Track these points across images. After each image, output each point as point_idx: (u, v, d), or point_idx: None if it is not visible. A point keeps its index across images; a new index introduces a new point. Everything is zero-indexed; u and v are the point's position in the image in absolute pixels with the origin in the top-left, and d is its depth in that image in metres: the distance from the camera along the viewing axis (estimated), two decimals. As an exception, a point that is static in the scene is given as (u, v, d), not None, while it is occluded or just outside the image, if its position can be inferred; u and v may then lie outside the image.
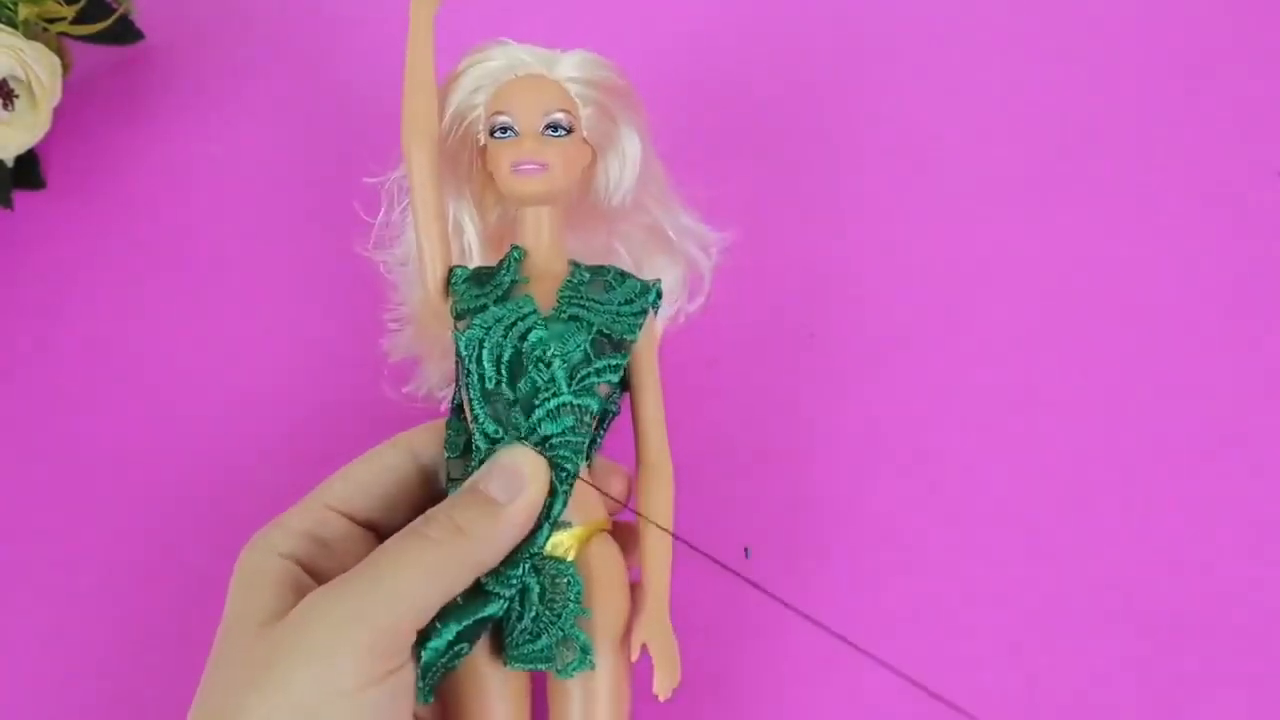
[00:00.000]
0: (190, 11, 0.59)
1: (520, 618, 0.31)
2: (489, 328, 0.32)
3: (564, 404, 0.32)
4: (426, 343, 0.40)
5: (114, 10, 0.55)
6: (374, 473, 0.34)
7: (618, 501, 0.34)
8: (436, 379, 0.41)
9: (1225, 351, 0.44)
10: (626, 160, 0.37)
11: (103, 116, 0.56)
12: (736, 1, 0.57)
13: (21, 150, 0.51)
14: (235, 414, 0.45)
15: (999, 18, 0.55)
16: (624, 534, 0.34)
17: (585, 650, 0.31)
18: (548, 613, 0.31)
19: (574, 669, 0.31)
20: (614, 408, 0.35)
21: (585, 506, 0.33)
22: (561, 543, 0.32)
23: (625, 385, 0.34)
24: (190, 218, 0.52)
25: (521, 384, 0.32)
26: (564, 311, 0.33)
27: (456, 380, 0.34)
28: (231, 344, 0.47)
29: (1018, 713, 0.37)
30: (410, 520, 0.31)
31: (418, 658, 0.29)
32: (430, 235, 0.34)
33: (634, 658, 0.31)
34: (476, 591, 0.30)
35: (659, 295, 0.35)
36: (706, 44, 0.55)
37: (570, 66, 0.35)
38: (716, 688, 0.38)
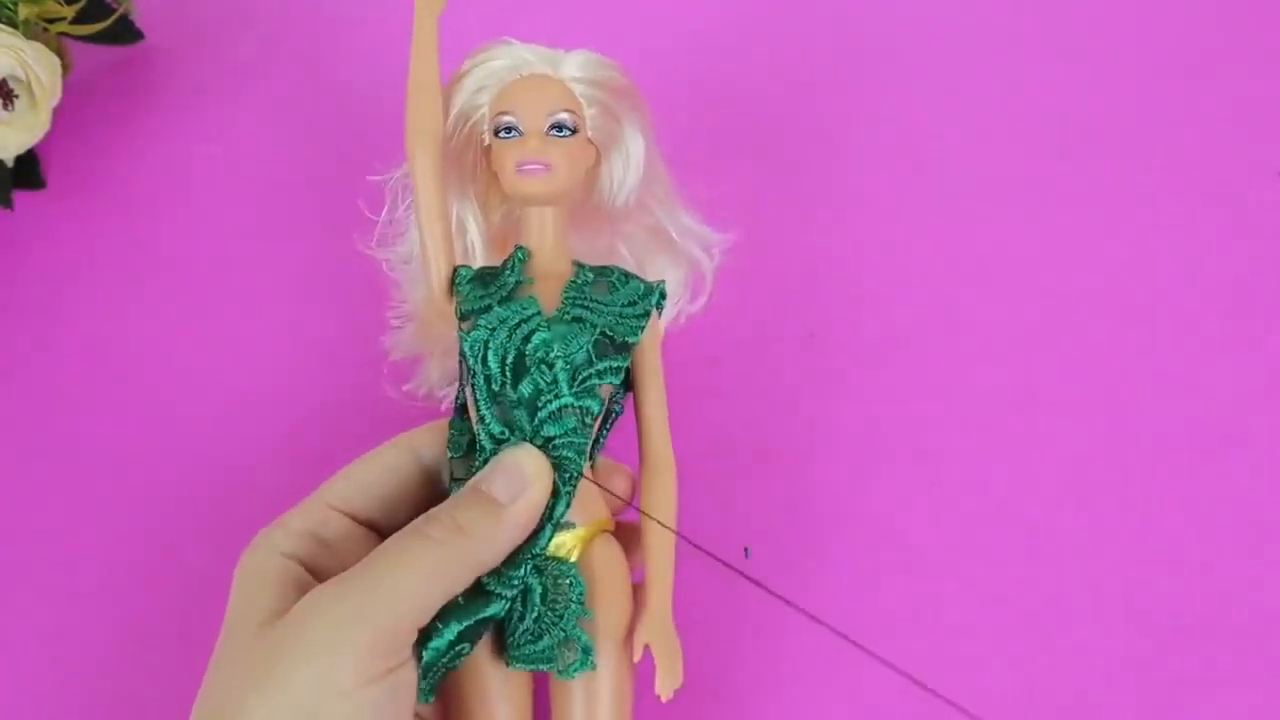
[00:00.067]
0: (190, 11, 0.59)
1: (522, 618, 0.31)
2: (493, 329, 0.32)
3: (566, 406, 0.32)
4: (428, 341, 0.40)
5: (114, 10, 0.54)
6: (376, 473, 0.34)
7: (621, 499, 0.34)
8: (437, 377, 0.41)
9: (1225, 351, 0.44)
10: (630, 161, 0.37)
11: (103, 116, 0.56)
12: (736, 1, 0.57)
13: (21, 150, 0.51)
14: (235, 414, 0.45)
15: (999, 18, 0.55)
16: (627, 534, 0.34)
17: (587, 651, 0.31)
18: (550, 613, 0.31)
19: (575, 670, 0.31)
20: (617, 408, 0.35)
21: (588, 507, 0.33)
22: (564, 543, 0.32)
23: (629, 385, 0.34)
24: (190, 218, 0.52)
25: (524, 385, 0.32)
26: (567, 313, 0.33)
27: (460, 380, 0.34)
28: (231, 344, 0.47)
29: (1018, 713, 0.37)
30: (412, 520, 0.31)
31: (419, 657, 0.29)
32: (434, 235, 0.34)
33: (636, 658, 0.31)
34: (478, 591, 0.30)
35: (663, 296, 0.35)
36: (706, 44, 0.55)
37: (575, 66, 0.35)
38: (718, 688, 0.38)
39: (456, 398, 0.35)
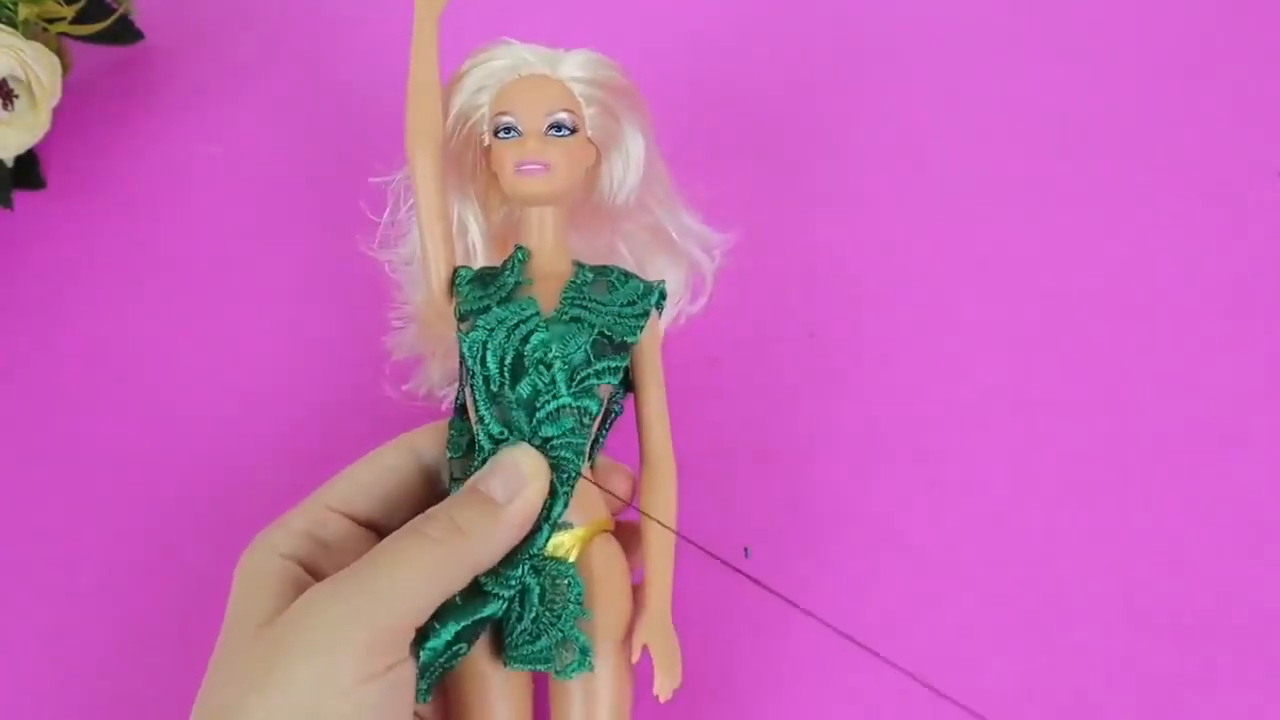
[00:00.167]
0: (190, 11, 0.59)
1: (520, 618, 0.31)
2: (492, 329, 0.32)
3: (563, 406, 0.32)
4: (429, 341, 0.40)
5: (114, 10, 0.55)
6: (376, 473, 0.34)
7: (621, 499, 0.34)
8: (438, 377, 0.41)
9: (1225, 351, 0.44)
10: (630, 160, 0.37)
11: (103, 116, 0.56)
12: (736, 1, 0.57)
13: (21, 150, 0.51)
14: (235, 414, 0.45)
15: (999, 18, 0.55)
16: (626, 534, 0.34)
17: (584, 652, 0.31)
18: (547, 614, 0.31)
19: (573, 670, 0.31)
20: (617, 408, 0.35)
21: (587, 507, 0.33)
22: (563, 543, 0.32)
23: (628, 385, 0.34)
24: (190, 218, 0.52)
25: (522, 386, 0.32)
26: (566, 313, 0.33)
27: (460, 380, 0.34)
28: (231, 344, 0.47)
29: (1018, 712, 0.37)
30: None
31: (417, 657, 0.29)
32: (434, 236, 0.34)
33: (634, 659, 0.31)
34: (475, 592, 0.30)
35: (663, 296, 0.35)
36: (706, 44, 0.55)
37: (574, 66, 0.35)
38: (717, 688, 0.38)
39: (456, 398, 0.35)
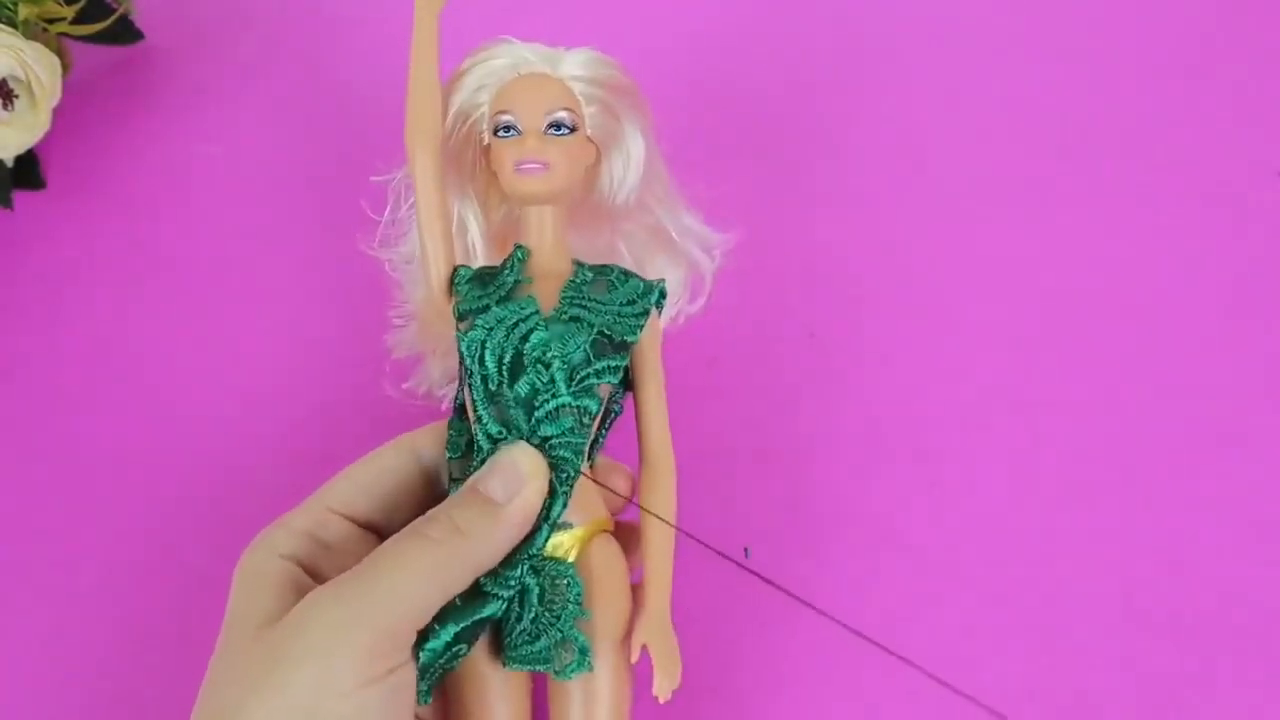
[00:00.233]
0: (190, 11, 0.59)
1: (519, 619, 0.31)
2: (490, 328, 0.32)
3: (563, 405, 0.32)
4: (429, 340, 0.40)
5: (114, 10, 0.54)
6: (375, 474, 0.34)
7: (621, 495, 0.34)
8: (438, 376, 0.41)
9: (1225, 351, 0.44)
10: (630, 159, 0.37)
11: (103, 116, 0.56)
12: (736, 1, 0.57)
13: (21, 150, 0.51)
14: (235, 414, 0.45)
15: (999, 18, 0.55)
16: (626, 534, 0.34)
17: (584, 652, 0.31)
18: (547, 614, 0.31)
19: (572, 671, 0.31)
20: (617, 407, 0.35)
21: (587, 507, 0.33)
22: (562, 544, 0.32)
23: (628, 384, 0.34)
24: (190, 217, 0.52)
25: (521, 385, 0.32)
26: (565, 312, 0.33)
27: (460, 380, 0.34)
28: (231, 344, 0.47)
29: (1018, 712, 0.37)
30: (411, 521, 0.31)
31: (417, 658, 0.29)
32: (434, 235, 0.34)
33: (634, 659, 0.31)
34: (475, 592, 0.30)
35: (662, 295, 0.35)
36: (706, 44, 0.55)
37: (574, 65, 0.35)
38: (717, 688, 0.38)
39: (455, 398, 0.35)
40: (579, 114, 0.35)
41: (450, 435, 0.34)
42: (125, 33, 0.56)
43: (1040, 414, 0.43)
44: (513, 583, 0.31)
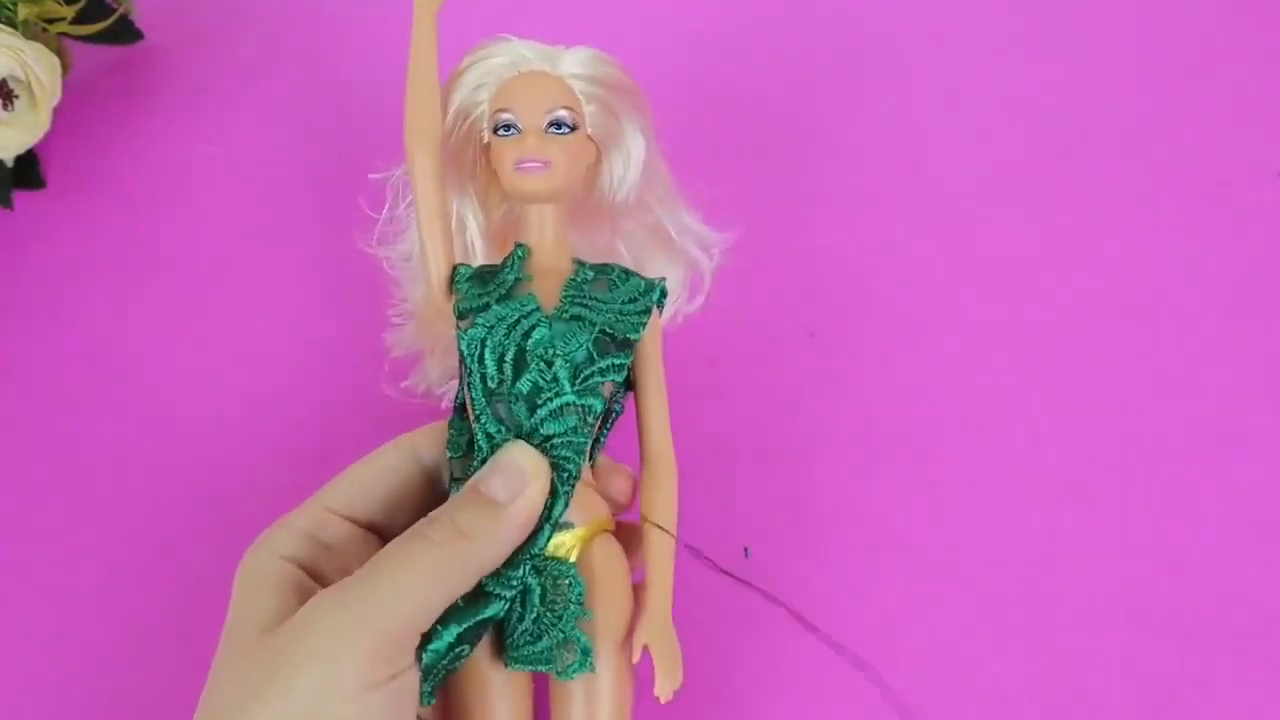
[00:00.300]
0: (190, 11, 0.59)
1: (521, 619, 0.31)
2: (491, 326, 0.32)
3: (567, 404, 0.32)
4: (428, 338, 0.40)
5: (114, 10, 0.54)
6: (376, 474, 0.34)
7: (620, 502, 0.34)
8: (437, 375, 0.41)
9: (1225, 351, 0.44)
10: (631, 158, 0.37)
11: (103, 116, 0.56)
12: (736, 1, 0.57)
13: (21, 150, 0.51)
14: (235, 414, 0.45)
15: (999, 18, 0.55)
16: (627, 534, 0.34)
17: (586, 652, 0.31)
18: (549, 614, 0.31)
19: (574, 671, 0.31)
20: (618, 407, 0.35)
21: (588, 507, 0.33)
22: (564, 543, 0.32)
23: (629, 384, 0.34)
24: (190, 217, 0.52)
25: (523, 383, 0.32)
26: (567, 310, 0.33)
27: (460, 379, 0.34)
28: (231, 344, 0.47)
29: (1019, 712, 0.37)
30: (413, 521, 0.31)
31: (419, 659, 0.29)
32: (433, 234, 0.34)
33: (635, 659, 0.31)
34: (477, 593, 0.30)
35: (663, 294, 0.35)
36: (706, 44, 0.55)
37: (574, 63, 0.35)
38: (718, 689, 0.38)
39: (456, 397, 0.35)
40: (579, 112, 0.35)
41: (451, 434, 0.34)
42: (125, 33, 0.56)
43: (1040, 414, 0.43)
44: (515, 583, 0.31)
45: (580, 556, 0.32)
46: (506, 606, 0.31)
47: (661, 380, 0.34)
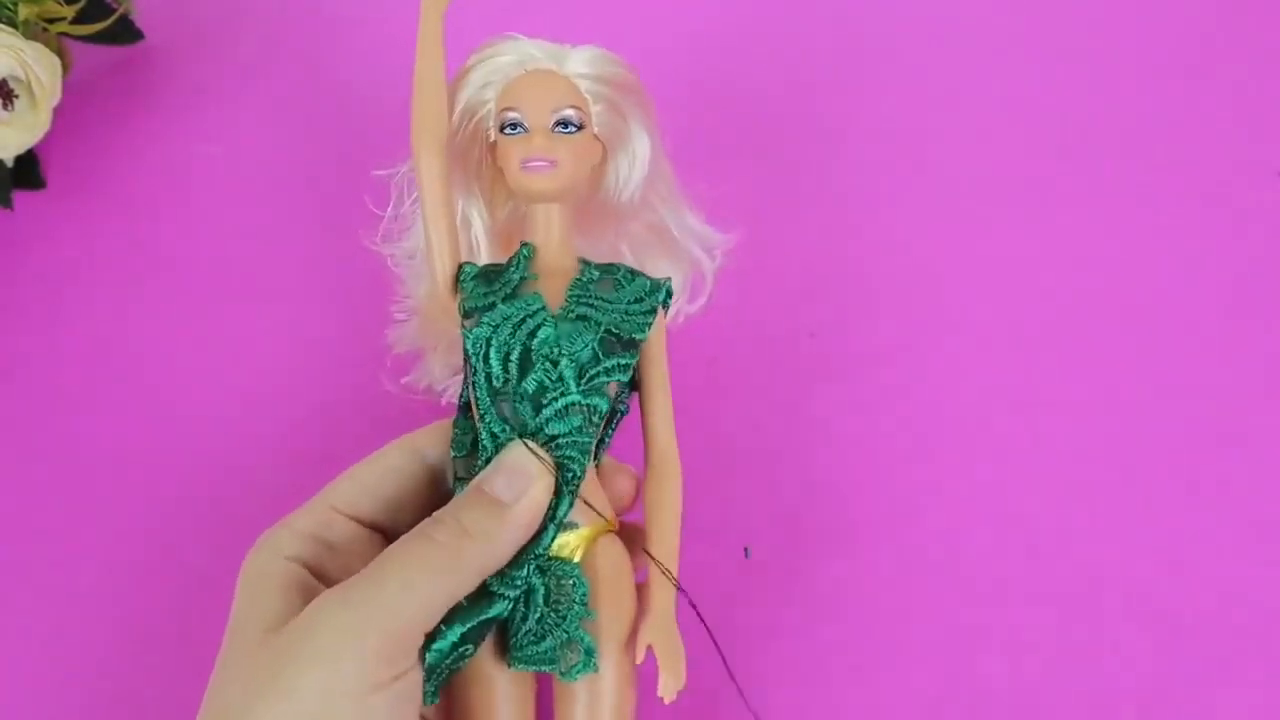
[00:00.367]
0: (190, 11, 0.59)
1: (525, 619, 0.31)
2: (497, 325, 0.32)
3: (572, 403, 0.32)
4: (431, 335, 0.40)
5: (114, 10, 0.54)
6: (380, 474, 0.34)
7: (610, 517, 0.34)
8: (439, 372, 0.41)
9: (1225, 351, 0.44)
10: (636, 158, 0.37)
11: (103, 116, 0.56)
12: (736, 1, 0.57)
13: (21, 150, 0.51)
14: (235, 414, 0.45)
15: (999, 18, 0.55)
16: (631, 534, 0.34)
17: (589, 652, 0.31)
18: (552, 614, 0.31)
19: (578, 671, 0.31)
20: (623, 407, 0.35)
21: (592, 507, 0.32)
22: (568, 543, 0.32)
23: (634, 384, 0.34)
24: (190, 217, 0.52)
25: (529, 382, 0.32)
26: (572, 310, 0.33)
27: (464, 378, 0.34)
28: (231, 344, 0.47)
29: (1020, 712, 0.37)
30: (417, 521, 0.31)
31: (423, 659, 0.29)
32: (438, 232, 0.34)
33: (639, 660, 0.31)
34: (481, 592, 0.30)
35: (669, 294, 0.35)
36: (706, 44, 0.55)
37: (581, 62, 0.35)
38: (719, 690, 0.38)
39: (460, 396, 0.35)
40: (586, 112, 0.35)
41: (455, 433, 0.34)
42: (125, 33, 0.56)
43: (1040, 414, 0.43)
44: (519, 583, 0.31)
45: (584, 557, 0.32)
46: (510, 606, 0.31)
47: (666, 380, 0.34)
